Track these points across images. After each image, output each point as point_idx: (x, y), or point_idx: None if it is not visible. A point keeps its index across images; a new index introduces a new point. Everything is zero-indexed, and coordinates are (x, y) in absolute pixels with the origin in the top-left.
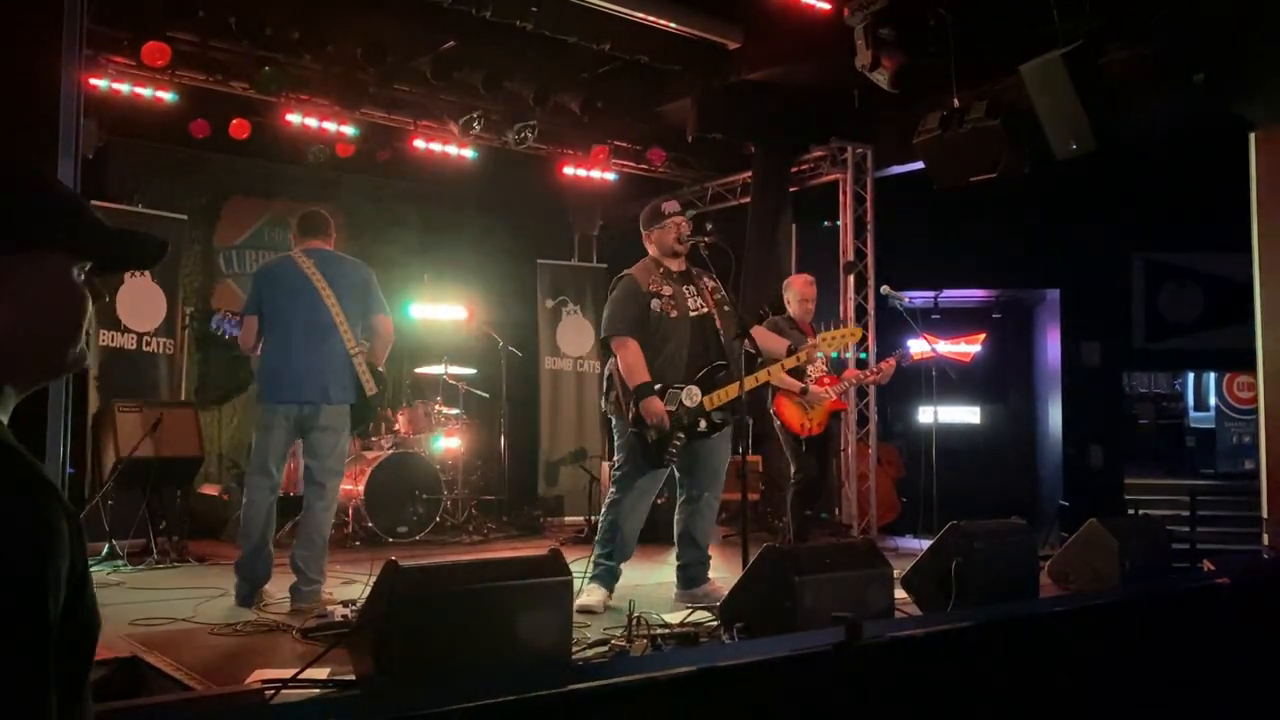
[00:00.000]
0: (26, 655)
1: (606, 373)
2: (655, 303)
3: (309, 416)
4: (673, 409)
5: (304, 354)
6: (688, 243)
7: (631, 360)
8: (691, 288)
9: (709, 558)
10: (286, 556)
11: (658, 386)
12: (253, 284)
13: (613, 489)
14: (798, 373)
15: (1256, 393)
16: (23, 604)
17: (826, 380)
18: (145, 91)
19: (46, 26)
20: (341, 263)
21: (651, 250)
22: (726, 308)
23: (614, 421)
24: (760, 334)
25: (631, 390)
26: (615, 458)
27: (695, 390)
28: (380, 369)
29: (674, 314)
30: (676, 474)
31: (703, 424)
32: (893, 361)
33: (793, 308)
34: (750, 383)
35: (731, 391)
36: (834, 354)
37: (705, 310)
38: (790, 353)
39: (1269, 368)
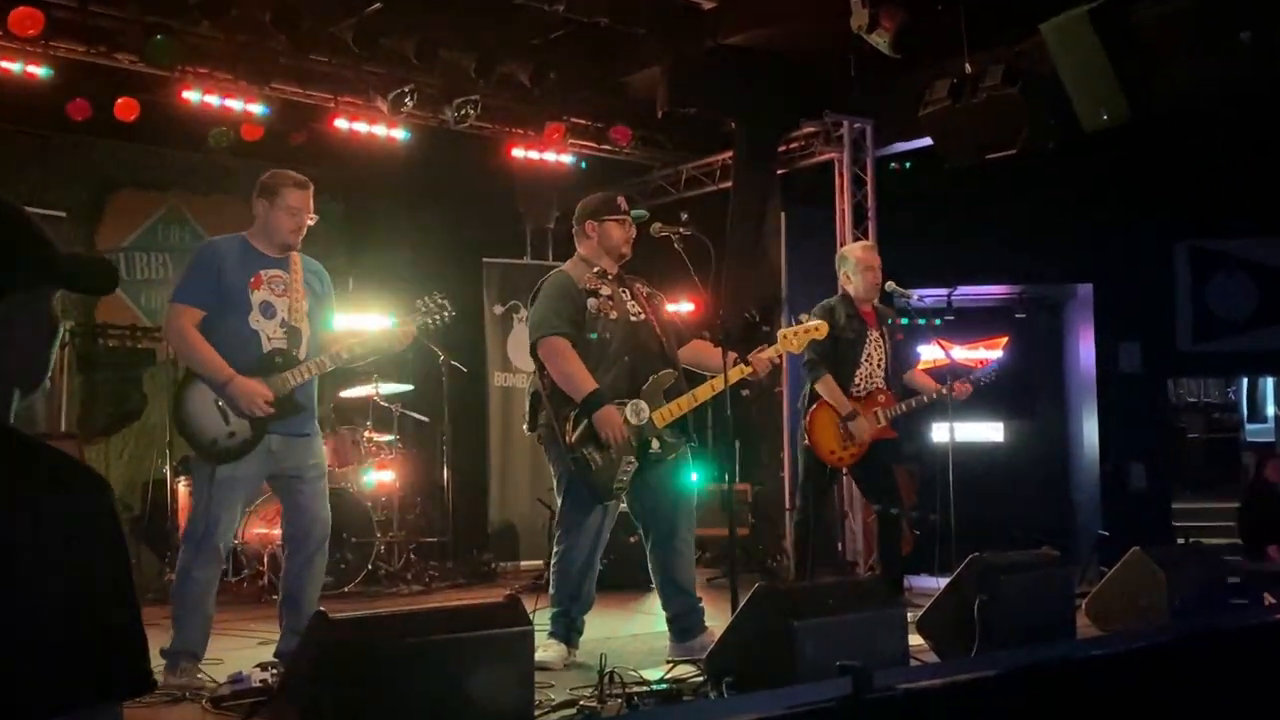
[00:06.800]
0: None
1: (531, 390)
2: (592, 301)
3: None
4: None
5: None
6: (628, 249)
7: (571, 367)
8: (626, 291)
9: (700, 601)
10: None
11: None
12: None
13: (558, 534)
14: (844, 382)
15: None
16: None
17: (882, 398)
18: (14, 66)
19: None
20: None
21: (588, 246)
22: (664, 315)
23: (548, 451)
24: (692, 348)
25: (578, 402)
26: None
27: (642, 405)
28: None
29: (613, 315)
30: (633, 515)
31: (655, 444)
32: (969, 387)
33: (853, 284)
34: (706, 392)
35: (685, 405)
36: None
37: (644, 316)
38: (737, 361)
39: None
